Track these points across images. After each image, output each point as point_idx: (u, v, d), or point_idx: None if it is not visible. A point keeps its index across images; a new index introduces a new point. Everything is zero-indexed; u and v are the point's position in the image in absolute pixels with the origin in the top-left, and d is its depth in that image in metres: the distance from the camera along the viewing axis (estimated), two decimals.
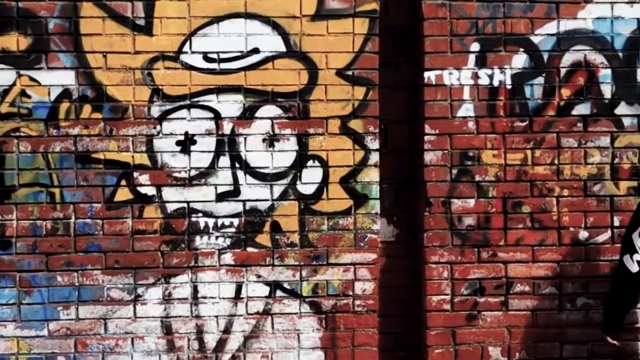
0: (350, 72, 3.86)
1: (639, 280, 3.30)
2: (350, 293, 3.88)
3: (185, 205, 3.82)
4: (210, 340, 3.83)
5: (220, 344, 3.83)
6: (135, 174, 3.78)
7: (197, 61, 3.80)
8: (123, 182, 3.78)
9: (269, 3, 3.81)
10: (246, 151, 3.84)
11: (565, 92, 3.93)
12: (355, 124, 3.88)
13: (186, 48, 3.80)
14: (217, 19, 3.80)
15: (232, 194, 3.84)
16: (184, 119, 3.81)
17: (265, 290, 3.85)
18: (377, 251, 3.92)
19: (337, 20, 3.85)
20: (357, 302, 3.88)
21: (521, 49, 3.91)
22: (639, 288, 3.36)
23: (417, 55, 3.98)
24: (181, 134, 3.81)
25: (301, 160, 3.86)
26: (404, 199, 4.13)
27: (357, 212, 3.89)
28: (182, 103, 3.80)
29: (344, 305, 3.88)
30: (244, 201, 3.84)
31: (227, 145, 3.83)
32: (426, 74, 3.90)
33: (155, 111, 3.80)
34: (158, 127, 3.80)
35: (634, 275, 3.27)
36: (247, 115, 3.84)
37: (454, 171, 3.91)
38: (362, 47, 3.87)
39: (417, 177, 4.01)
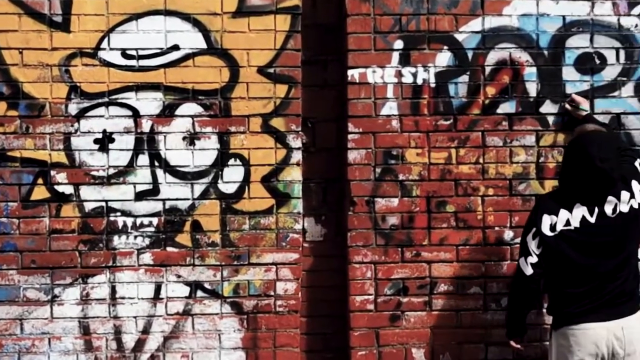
0: (272, 70, 3.77)
1: (535, 283, 3.21)
2: (272, 293, 3.79)
3: (103, 204, 3.72)
4: (129, 341, 3.73)
5: (139, 344, 3.73)
6: (52, 173, 3.68)
7: (116, 58, 3.71)
8: (40, 181, 3.67)
9: (189, 0, 3.72)
10: (166, 149, 3.75)
11: (490, 91, 3.84)
12: (277, 122, 3.79)
13: (104, 45, 3.70)
14: (136, 16, 3.71)
15: (152, 192, 3.74)
16: (102, 116, 3.71)
17: (186, 290, 3.76)
18: (300, 251, 3.82)
19: (259, 17, 3.76)
20: (279, 303, 3.79)
21: (445, 47, 3.82)
22: (536, 291, 3.26)
23: (343, 53, 3.89)
24: (99, 132, 3.71)
25: (222, 158, 3.77)
26: (332, 198, 4.03)
27: (279, 211, 3.79)
28: (100, 100, 3.71)
29: (266, 306, 3.78)
30: (163, 200, 3.74)
31: (147, 143, 3.74)
32: (350, 72, 3.81)
33: (73, 109, 3.70)
34: (76, 124, 3.70)
35: (529, 278, 3.18)
36: (167, 113, 3.74)
37: (378, 170, 3.82)
38: (284, 45, 3.78)
39: (343, 176, 3.92)
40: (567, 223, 3.12)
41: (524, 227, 3.29)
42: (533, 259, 3.15)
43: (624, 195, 3.11)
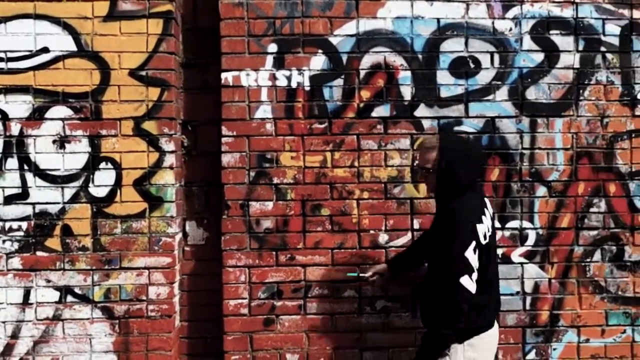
0: (144, 73, 3.67)
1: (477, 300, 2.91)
2: (144, 298, 3.69)
3: None
4: None
5: (8, 349, 3.63)
6: None
7: None
8: None
9: (60, 5, 3.63)
10: (35, 153, 3.64)
11: (365, 94, 3.75)
12: (150, 126, 3.69)
13: None
14: (4, 19, 3.61)
15: (21, 196, 3.63)
16: None
17: (55, 295, 3.65)
18: (173, 255, 3.72)
19: (130, 21, 3.67)
20: (151, 307, 3.69)
21: (320, 51, 3.73)
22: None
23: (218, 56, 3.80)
24: None
25: (93, 162, 3.67)
26: (215, 202, 3.94)
27: (152, 215, 3.70)
28: None
29: (137, 310, 3.68)
30: (33, 204, 3.64)
31: (16, 146, 3.63)
32: (223, 75, 3.72)
33: None
34: None
35: (474, 295, 2.84)
36: (37, 116, 3.64)
37: (252, 173, 3.73)
38: (156, 48, 3.68)
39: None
40: (487, 228, 2.99)
41: (456, 244, 2.85)
42: (475, 274, 2.86)
43: None
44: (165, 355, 3.69)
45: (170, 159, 3.70)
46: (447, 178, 2.99)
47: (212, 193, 3.94)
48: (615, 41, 3.78)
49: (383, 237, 3.75)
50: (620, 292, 3.80)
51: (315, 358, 3.73)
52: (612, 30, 3.78)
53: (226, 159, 3.73)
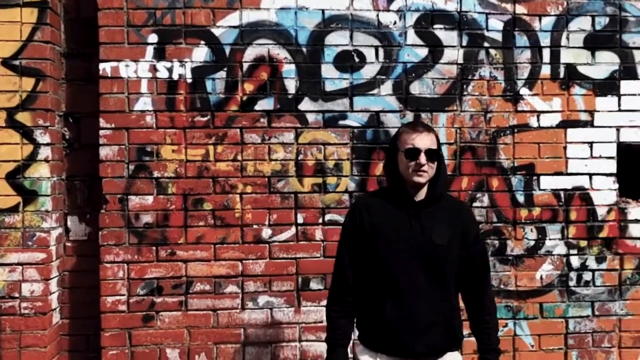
0: (17, 62, 3.55)
1: None
2: (17, 295, 3.57)
3: None
4: None
5: None
6: None
7: None
8: None
9: None
10: None
11: (248, 87, 3.69)
12: (23, 117, 3.57)
13: None
14: None
15: None
16: None
17: None
18: (48, 250, 3.60)
19: (3, 9, 3.55)
20: (25, 304, 3.57)
21: (202, 42, 3.66)
22: None
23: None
24: None
25: None
26: (98, 196, 3.83)
27: (26, 209, 3.58)
28: None
29: (10, 308, 3.56)
30: None
31: None
32: (101, 66, 3.62)
33: None
34: None
35: None
36: None
37: (131, 167, 3.64)
38: (31, 37, 3.56)
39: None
40: None
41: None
42: None
43: None
44: (39, 352, 3.58)
45: (45, 152, 3.59)
46: (444, 163, 2.61)
47: (95, 187, 3.82)
48: (499, 37, 3.79)
49: (266, 232, 3.69)
50: (502, 286, 3.82)
51: (196, 353, 3.66)
52: (495, 25, 3.79)
53: (104, 152, 3.63)
